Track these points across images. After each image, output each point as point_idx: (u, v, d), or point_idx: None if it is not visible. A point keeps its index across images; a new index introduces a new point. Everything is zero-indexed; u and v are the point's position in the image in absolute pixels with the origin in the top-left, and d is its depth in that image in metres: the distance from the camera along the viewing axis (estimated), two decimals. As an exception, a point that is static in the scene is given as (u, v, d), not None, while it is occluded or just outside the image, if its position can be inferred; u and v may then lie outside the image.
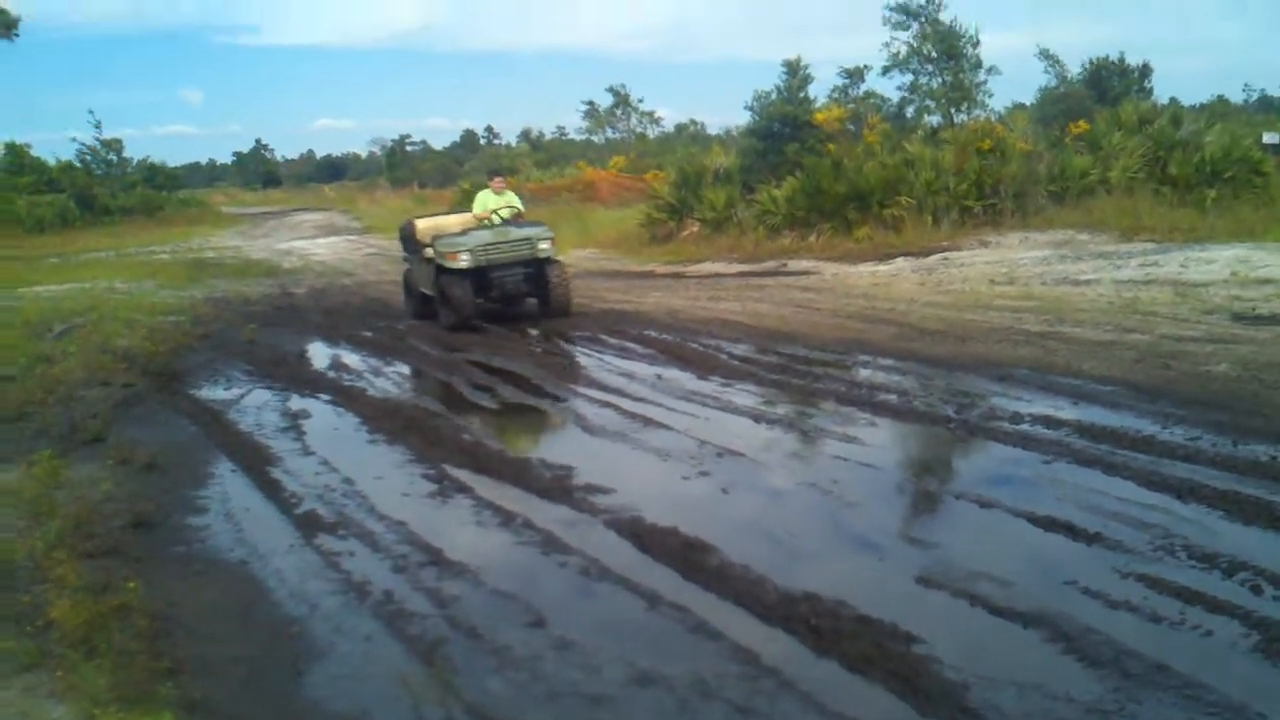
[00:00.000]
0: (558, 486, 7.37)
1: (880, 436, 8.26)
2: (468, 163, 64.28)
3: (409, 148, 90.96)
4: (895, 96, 29.35)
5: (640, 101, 72.46)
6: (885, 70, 27.30)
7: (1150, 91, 38.09)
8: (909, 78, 27.29)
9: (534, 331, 14.26)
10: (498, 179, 15.80)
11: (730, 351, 11.74)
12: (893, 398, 9.18)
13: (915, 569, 5.60)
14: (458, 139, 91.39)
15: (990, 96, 27.71)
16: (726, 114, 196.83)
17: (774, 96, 27.16)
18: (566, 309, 14.85)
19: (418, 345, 13.75)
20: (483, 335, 14.17)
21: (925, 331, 11.98)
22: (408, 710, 4.48)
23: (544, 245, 14.63)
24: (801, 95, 27.11)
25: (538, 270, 14.75)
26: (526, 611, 5.35)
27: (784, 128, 25.80)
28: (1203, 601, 4.90)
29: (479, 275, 14.31)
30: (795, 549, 6.18)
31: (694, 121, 75.70)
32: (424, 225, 15.85)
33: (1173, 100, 36.46)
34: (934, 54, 26.17)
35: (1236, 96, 63.23)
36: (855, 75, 36.65)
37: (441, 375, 11.78)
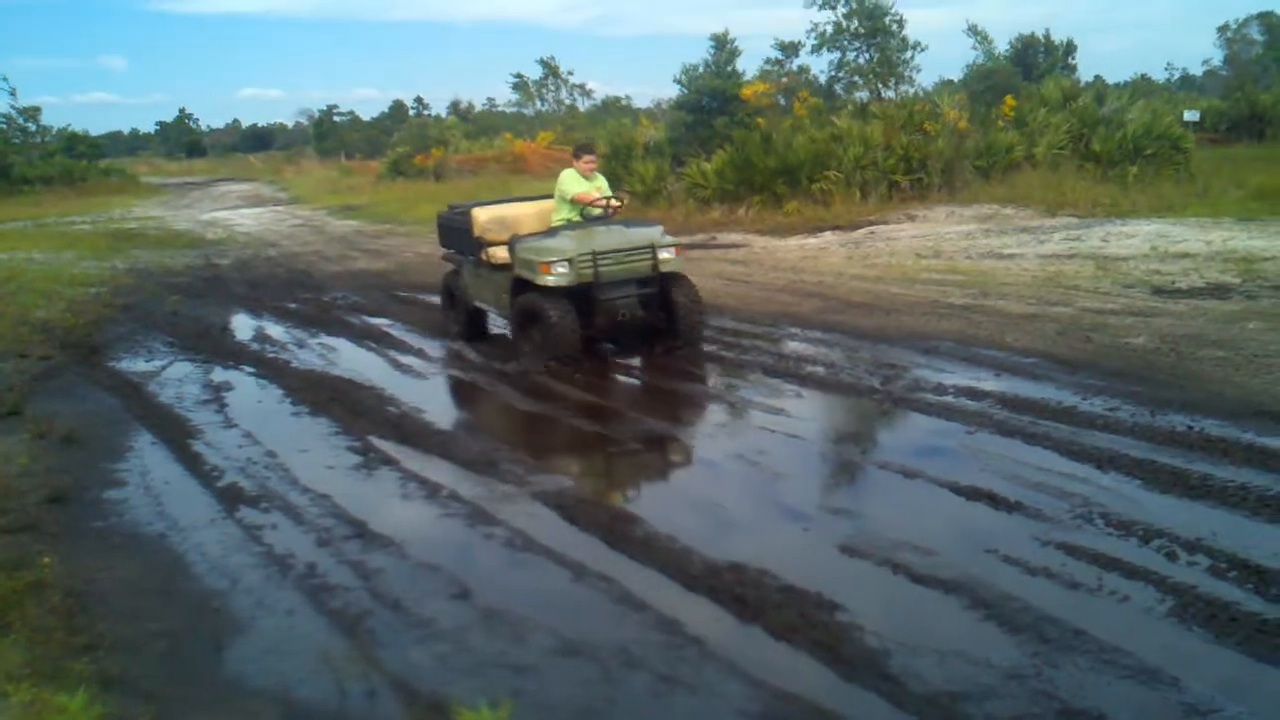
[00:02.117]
0: (484, 459, 7.33)
1: (807, 408, 8.31)
2: (395, 133, 63.55)
3: (336, 118, 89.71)
4: (824, 73, 29.49)
5: (570, 74, 72.37)
6: (815, 48, 27.40)
7: (1075, 69, 38.78)
8: (837, 55, 27.42)
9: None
10: (587, 156, 11.06)
11: (659, 324, 11.72)
12: (819, 369, 9.23)
13: (840, 538, 5.64)
14: (386, 110, 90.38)
15: (918, 72, 27.96)
16: (656, 87, 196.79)
17: (702, 70, 27.20)
18: (696, 340, 10.41)
19: (343, 317, 13.59)
20: (408, 307, 14.06)
21: (852, 304, 12.05)
22: (330, 684, 4.43)
23: (667, 255, 10.05)
24: (730, 69, 27.17)
25: (659, 289, 10.25)
26: (451, 583, 5.32)
27: (713, 101, 25.84)
28: (1120, 568, 4.98)
29: (581, 295, 9.87)
30: (721, 519, 6.20)
31: (623, 96, 75.45)
32: (486, 216, 11.14)
33: (1097, 78, 37.10)
34: (860, 30, 26.29)
35: (1159, 75, 64.54)
36: (789, 50, 36.83)
37: (368, 346, 11.65)
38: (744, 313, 12.07)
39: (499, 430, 8.41)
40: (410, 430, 8.12)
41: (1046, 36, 40.58)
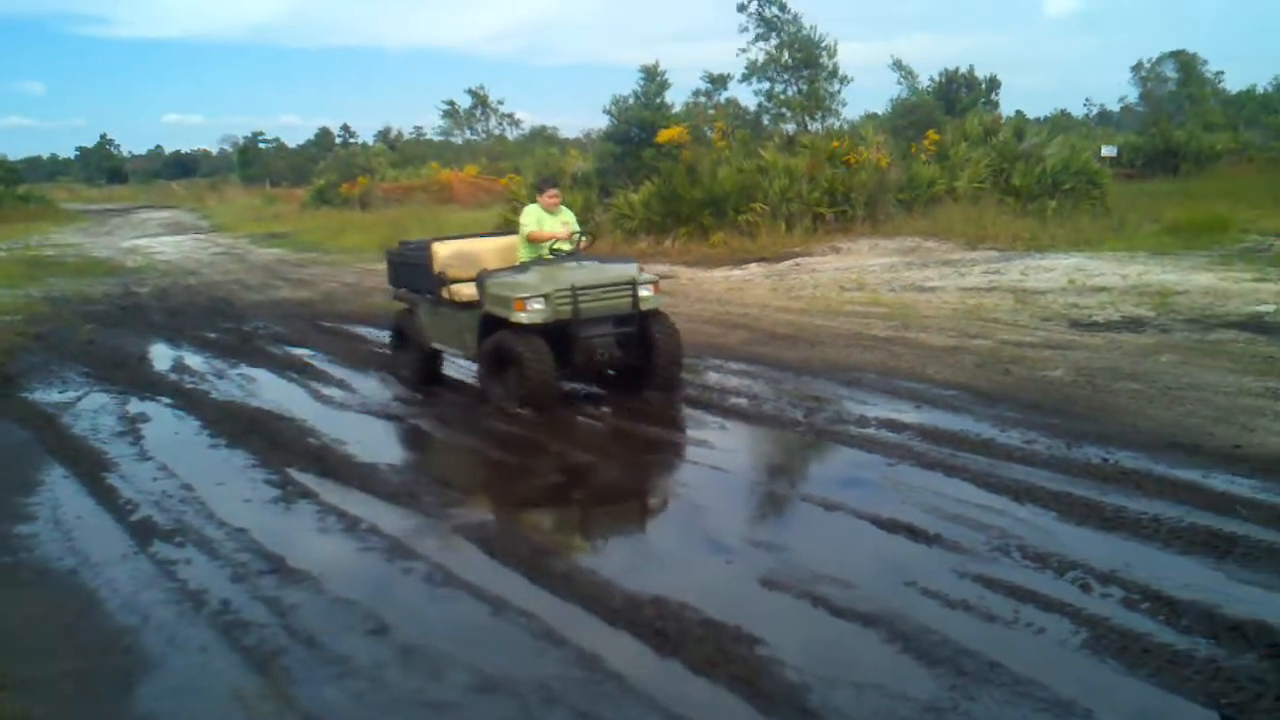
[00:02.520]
0: (405, 491, 7.26)
1: (730, 440, 8.33)
2: (321, 161, 63.13)
3: (262, 145, 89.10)
4: (753, 103, 29.72)
5: (500, 103, 72.37)
6: (744, 78, 27.63)
7: (997, 104, 39.35)
8: (766, 85, 27.65)
9: (385, 337, 14.01)
10: (550, 190, 10.59)
11: (584, 355, 11.69)
12: (743, 401, 9.27)
13: (761, 571, 5.64)
14: (312, 137, 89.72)
15: (845, 106, 28.30)
16: (586, 117, 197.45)
17: (632, 101, 27.31)
18: (674, 382, 9.86)
19: (264, 347, 13.43)
20: (331, 337, 13.93)
21: (776, 336, 12.13)
22: (242, 723, 4.35)
23: (647, 292, 9.59)
24: (659, 101, 27.31)
25: (638, 327, 9.65)
26: (369, 619, 5.24)
27: (641, 133, 25.93)
28: (1035, 600, 5.03)
29: (557, 334, 9.22)
30: (643, 552, 6.23)
31: (548, 126, 75.47)
32: (447, 252, 10.43)
33: (1018, 113, 37.80)
34: (791, 62, 26.54)
35: (1078, 111, 66.02)
36: (718, 81, 37.10)
37: (289, 377, 11.51)
38: (669, 344, 12.07)
39: (421, 463, 8.34)
40: (330, 463, 8.02)
41: (970, 72, 41.29)
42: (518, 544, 6.18)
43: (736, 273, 18.19)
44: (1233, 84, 62.63)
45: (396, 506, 6.99)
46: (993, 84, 41.55)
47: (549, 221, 10.33)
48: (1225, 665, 4.30)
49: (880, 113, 37.35)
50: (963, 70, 40.67)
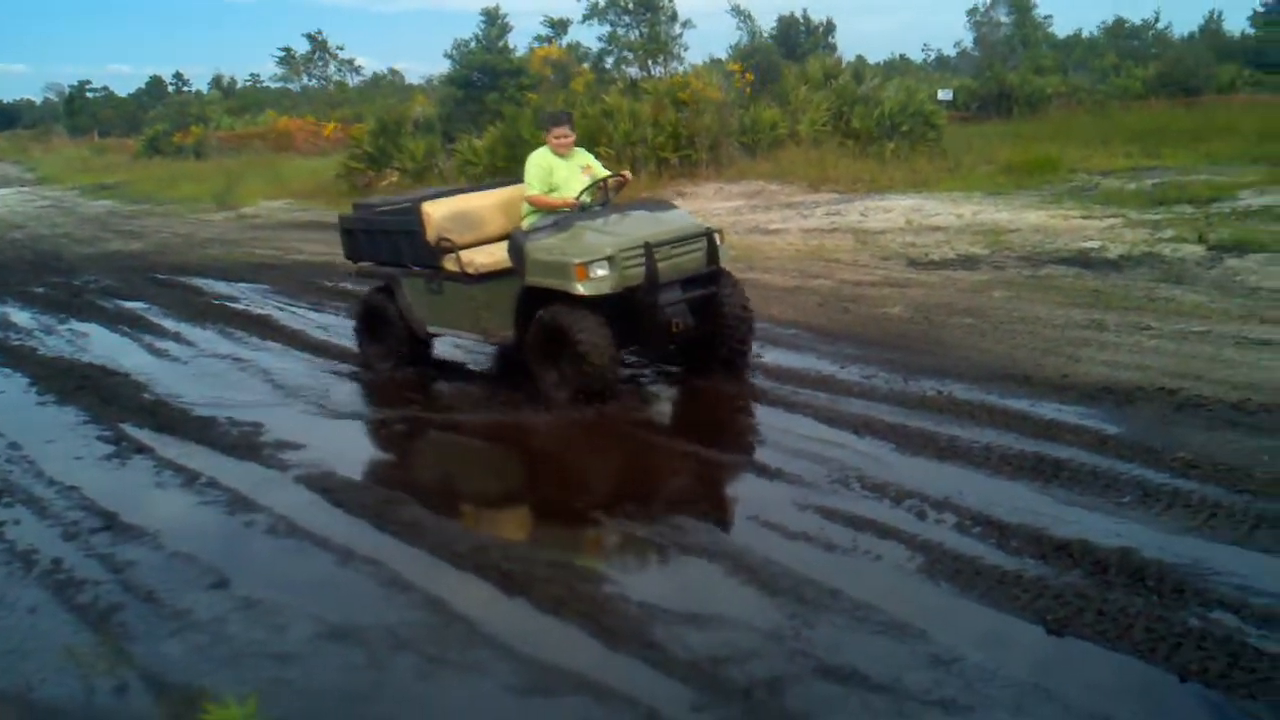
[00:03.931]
0: (245, 443, 7.10)
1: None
2: (153, 109, 60.88)
3: (90, 94, 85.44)
4: (596, 47, 29.62)
5: (340, 49, 70.40)
6: (585, 19, 27.51)
7: (835, 48, 39.77)
8: (608, 28, 27.58)
9: (222, 288, 13.67)
10: (559, 129, 8.14)
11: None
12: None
13: (606, 510, 5.71)
14: (143, 86, 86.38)
15: (686, 50, 28.35)
16: (428, 63, 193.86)
17: (473, 45, 26.97)
18: (744, 353, 8.16)
19: (95, 301, 12.98)
20: (165, 289, 13.53)
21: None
22: (76, 681, 4.23)
23: (719, 245, 7.87)
24: (501, 44, 27.01)
25: (706, 289, 7.76)
26: (209, 573, 5.14)
27: (484, 77, 25.65)
28: (873, 529, 5.16)
29: (621, 305, 7.38)
30: (488, 498, 6.23)
31: (393, 72, 73.76)
32: (442, 213, 8.32)
33: (858, 57, 38.32)
34: (631, 5, 26.49)
35: (917, 55, 67.12)
36: (559, 26, 36.77)
37: (122, 331, 11.13)
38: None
39: (261, 413, 8.11)
40: (166, 417, 7.80)
41: (805, 17, 41.67)
42: (363, 492, 6.12)
43: (583, 218, 18.13)
44: (1060, 28, 64.26)
45: (235, 459, 6.85)
46: (829, 28, 42.05)
47: (562, 169, 8.16)
48: (1052, 583, 4.48)
49: (723, 58, 37.54)
50: (799, 15, 41.06)
